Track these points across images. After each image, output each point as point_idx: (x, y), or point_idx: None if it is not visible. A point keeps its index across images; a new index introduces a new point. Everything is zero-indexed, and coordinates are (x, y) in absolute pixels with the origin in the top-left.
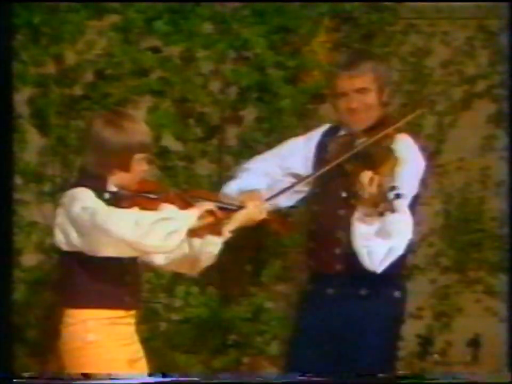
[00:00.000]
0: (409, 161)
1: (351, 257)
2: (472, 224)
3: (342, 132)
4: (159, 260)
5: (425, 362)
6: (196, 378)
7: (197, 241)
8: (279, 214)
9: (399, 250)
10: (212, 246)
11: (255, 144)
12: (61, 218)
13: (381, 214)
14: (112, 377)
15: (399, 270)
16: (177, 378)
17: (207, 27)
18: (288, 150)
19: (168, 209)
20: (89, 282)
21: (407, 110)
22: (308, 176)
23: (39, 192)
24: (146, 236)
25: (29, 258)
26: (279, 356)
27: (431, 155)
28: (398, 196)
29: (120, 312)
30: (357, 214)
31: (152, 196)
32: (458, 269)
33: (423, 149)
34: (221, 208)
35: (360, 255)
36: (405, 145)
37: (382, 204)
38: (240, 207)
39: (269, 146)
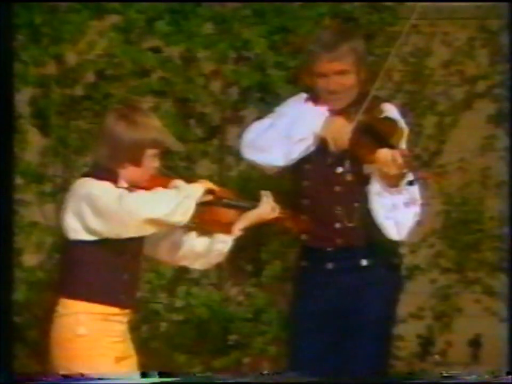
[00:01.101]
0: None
1: (351, 230)
2: (472, 224)
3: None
4: (165, 257)
5: (426, 363)
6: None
7: (206, 239)
8: (293, 212)
9: (417, 215)
10: (222, 244)
11: None
12: (74, 204)
13: (411, 183)
14: (112, 377)
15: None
16: (177, 379)
17: (208, 27)
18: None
19: (181, 186)
20: (88, 274)
21: (407, 109)
22: None
23: (39, 193)
24: (174, 214)
25: (30, 258)
26: (280, 355)
27: (431, 155)
28: (422, 164)
29: (114, 310)
30: (375, 189)
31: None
32: (458, 269)
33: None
34: (233, 206)
35: (385, 226)
36: (396, 113)
37: (411, 174)
38: (253, 206)
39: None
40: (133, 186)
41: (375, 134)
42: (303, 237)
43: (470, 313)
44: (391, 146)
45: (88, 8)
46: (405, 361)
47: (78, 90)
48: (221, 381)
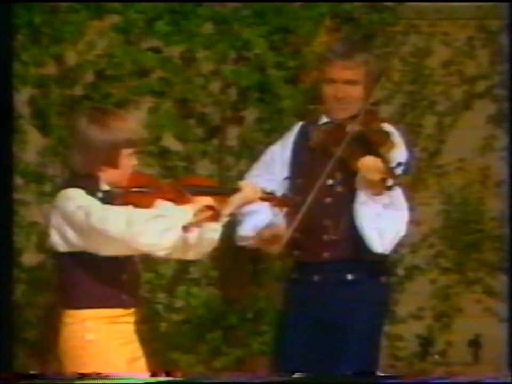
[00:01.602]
0: (401, 146)
1: (338, 243)
2: (472, 224)
3: (324, 119)
4: (160, 252)
5: (426, 363)
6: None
7: (196, 230)
8: (275, 193)
9: (403, 230)
10: (212, 232)
11: (256, 144)
12: (55, 219)
13: (389, 188)
14: (112, 377)
15: (385, 255)
16: (177, 378)
17: (208, 27)
18: (269, 158)
19: (163, 206)
20: (86, 283)
21: (407, 110)
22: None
23: (39, 193)
24: (140, 234)
25: (30, 258)
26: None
27: (431, 155)
28: (405, 171)
29: (119, 311)
30: (360, 199)
31: (145, 190)
32: (458, 270)
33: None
34: (216, 193)
35: (369, 237)
36: (394, 130)
37: (390, 179)
38: (236, 190)
39: (270, 146)
40: (114, 187)
41: (366, 143)
42: (295, 252)
43: (470, 313)
44: (379, 156)
45: (88, 8)
46: (405, 361)
47: (78, 90)
48: (221, 381)
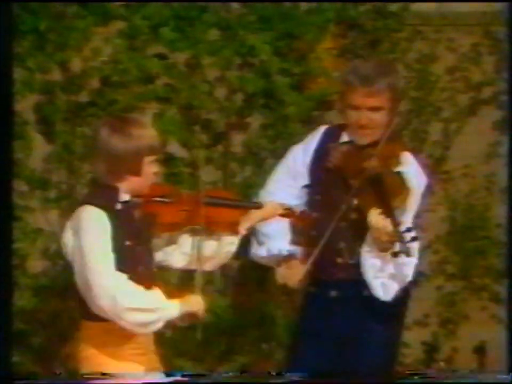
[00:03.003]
0: (418, 188)
1: (352, 266)
2: (477, 231)
3: (345, 138)
4: (177, 263)
5: (431, 370)
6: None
7: (214, 242)
8: (294, 210)
9: (409, 277)
10: (229, 245)
11: (261, 151)
12: (67, 237)
13: (396, 255)
14: (113, 377)
15: None
16: (178, 378)
17: (213, 34)
18: (292, 161)
19: (156, 298)
20: None
21: (412, 116)
22: None
23: (44, 199)
24: (122, 316)
25: (34, 265)
26: (286, 362)
27: (436, 162)
28: (414, 239)
29: None
30: (367, 247)
31: (165, 200)
32: (463, 276)
33: (424, 165)
34: (236, 207)
35: (373, 285)
36: (411, 162)
37: (397, 244)
38: (256, 206)
39: (275, 153)
40: (135, 196)
41: (382, 187)
42: (309, 267)
43: (476, 320)
44: (391, 206)
45: (93, 14)
46: (411, 368)
47: (83, 97)
48: (221, 381)
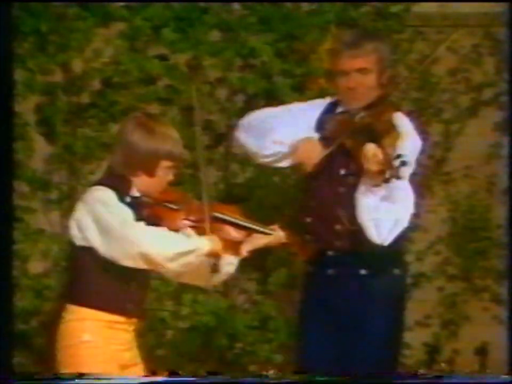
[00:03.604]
0: (410, 136)
1: (351, 234)
2: (478, 232)
3: (340, 109)
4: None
5: (433, 371)
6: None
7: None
8: (299, 239)
9: (404, 221)
10: (230, 266)
11: None
12: (81, 214)
13: (387, 181)
14: (114, 377)
15: (398, 246)
16: (178, 378)
17: (214, 35)
18: (296, 109)
19: (191, 236)
20: (94, 282)
21: (413, 117)
22: None
23: (45, 200)
24: (173, 261)
25: (36, 266)
26: (286, 363)
27: (437, 163)
28: (403, 163)
29: (120, 318)
30: (361, 189)
31: (173, 206)
32: (465, 277)
33: (418, 130)
34: (243, 227)
35: (367, 228)
36: (404, 121)
37: (388, 171)
38: (262, 232)
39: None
40: (145, 196)
41: (372, 133)
42: (307, 237)
43: (477, 321)
44: (382, 143)
45: (94, 15)
46: (412, 369)
47: (84, 98)
48: (221, 381)
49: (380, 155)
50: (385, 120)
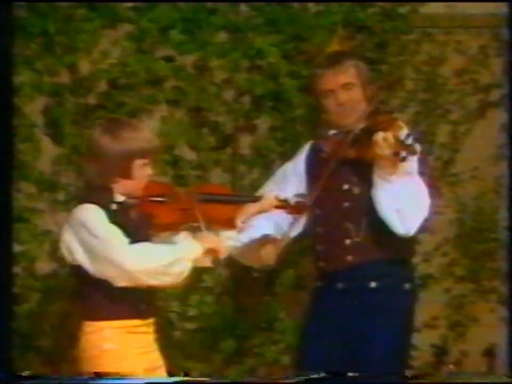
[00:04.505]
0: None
1: (361, 246)
2: (486, 233)
3: (332, 132)
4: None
5: (440, 373)
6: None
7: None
8: (290, 200)
9: (425, 210)
10: (228, 240)
11: (269, 153)
12: (68, 237)
13: (404, 159)
14: (116, 377)
15: (409, 257)
16: (183, 379)
17: (221, 36)
18: (281, 176)
19: (181, 243)
20: (101, 295)
21: (420, 118)
22: None
23: (53, 201)
24: (161, 276)
25: (43, 267)
26: (293, 364)
27: (445, 164)
28: (415, 140)
29: (136, 321)
30: (377, 184)
31: (161, 199)
32: (472, 279)
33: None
34: (231, 202)
35: (391, 220)
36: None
37: (403, 150)
38: (251, 199)
39: (283, 155)
40: (129, 198)
41: (374, 132)
42: (320, 264)
43: (485, 322)
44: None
45: (101, 16)
46: (419, 371)
47: (92, 99)
48: (222, 381)
49: (391, 138)
50: (384, 120)
